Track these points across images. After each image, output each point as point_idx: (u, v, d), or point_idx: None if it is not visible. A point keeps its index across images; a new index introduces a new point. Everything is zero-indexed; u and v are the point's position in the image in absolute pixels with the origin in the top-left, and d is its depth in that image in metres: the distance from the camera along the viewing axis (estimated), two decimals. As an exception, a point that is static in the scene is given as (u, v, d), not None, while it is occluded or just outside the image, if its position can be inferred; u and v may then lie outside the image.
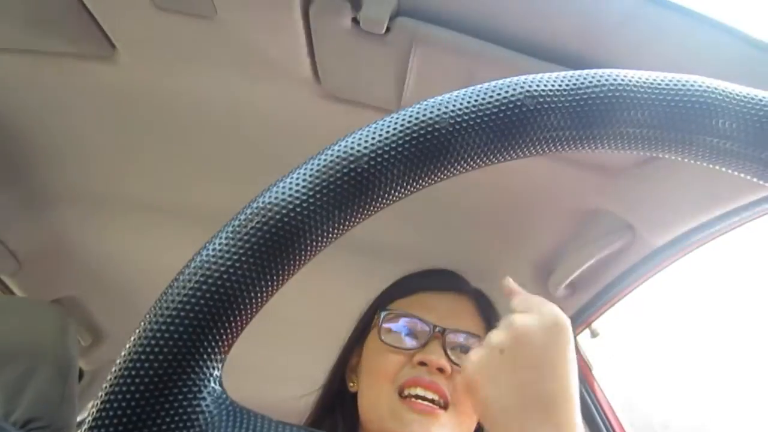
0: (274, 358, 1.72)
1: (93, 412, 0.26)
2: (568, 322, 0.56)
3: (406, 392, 0.76)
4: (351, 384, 0.88)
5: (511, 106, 0.29)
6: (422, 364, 0.78)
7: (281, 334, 1.57)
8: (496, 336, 0.57)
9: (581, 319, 1.29)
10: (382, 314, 0.85)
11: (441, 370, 0.77)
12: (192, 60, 0.92)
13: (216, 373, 0.28)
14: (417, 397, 0.76)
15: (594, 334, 1.33)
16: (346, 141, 0.28)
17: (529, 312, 0.57)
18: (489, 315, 0.89)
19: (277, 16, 0.82)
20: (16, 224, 1.27)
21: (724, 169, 0.31)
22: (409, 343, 0.81)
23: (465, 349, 0.81)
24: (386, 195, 0.28)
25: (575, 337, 1.33)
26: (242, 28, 0.85)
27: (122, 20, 0.86)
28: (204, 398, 0.28)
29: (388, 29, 0.79)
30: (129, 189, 1.23)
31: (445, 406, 0.76)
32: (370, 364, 0.84)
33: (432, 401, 0.76)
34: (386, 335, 0.82)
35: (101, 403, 0.25)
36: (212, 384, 0.28)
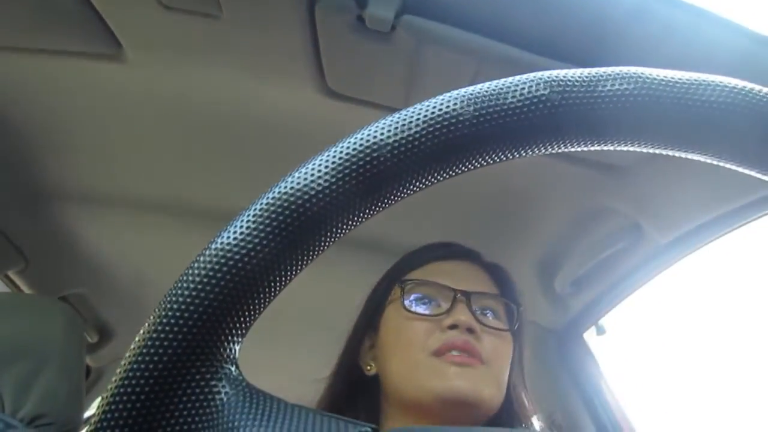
0: (279, 357, 1.72)
1: (111, 388, 0.25)
2: None
3: (442, 354, 0.75)
4: (368, 368, 0.85)
5: (535, 101, 0.28)
6: (452, 327, 0.77)
7: (286, 333, 1.57)
8: None
9: (588, 317, 1.29)
10: (403, 286, 0.83)
11: (471, 330, 0.76)
12: (198, 58, 0.93)
13: (233, 354, 0.28)
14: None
15: (600, 332, 1.33)
16: (369, 129, 0.28)
17: None
18: (503, 282, 0.88)
19: (283, 15, 0.82)
20: (24, 221, 1.27)
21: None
22: (436, 309, 0.80)
23: (490, 311, 0.82)
24: (406, 185, 0.28)
25: (582, 334, 1.32)
26: (248, 27, 0.85)
27: (129, 19, 0.86)
28: (221, 379, 0.28)
29: (393, 27, 0.79)
30: (135, 187, 1.23)
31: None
32: (394, 337, 0.81)
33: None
34: (412, 304, 0.81)
35: (120, 379, 0.25)
36: (229, 366, 0.28)
